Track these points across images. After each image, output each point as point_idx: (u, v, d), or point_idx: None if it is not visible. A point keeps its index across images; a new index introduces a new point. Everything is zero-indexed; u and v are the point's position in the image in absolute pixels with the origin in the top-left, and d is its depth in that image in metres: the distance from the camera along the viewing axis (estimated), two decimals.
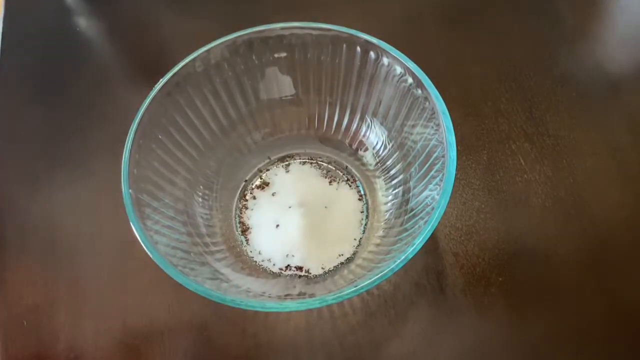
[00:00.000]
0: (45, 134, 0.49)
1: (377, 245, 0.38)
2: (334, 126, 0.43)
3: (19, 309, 0.41)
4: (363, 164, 0.43)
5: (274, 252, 0.40)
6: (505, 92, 0.49)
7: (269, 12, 0.54)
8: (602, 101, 0.48)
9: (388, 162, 0.41)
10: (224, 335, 0.39)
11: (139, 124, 0.33)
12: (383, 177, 0.41)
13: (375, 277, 0.28)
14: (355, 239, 0.40)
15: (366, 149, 0.43)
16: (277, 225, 0.41)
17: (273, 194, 0.42)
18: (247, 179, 0.44)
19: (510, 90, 0.49)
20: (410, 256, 0.29)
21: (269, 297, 0.33)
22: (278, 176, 0.44)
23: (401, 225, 0.35)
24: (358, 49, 0.36)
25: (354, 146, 0.43)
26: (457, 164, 0.31)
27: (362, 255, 0.38)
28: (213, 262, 0.36)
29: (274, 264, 0.39)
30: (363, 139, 0.42)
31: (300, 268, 0.39)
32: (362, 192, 0.42)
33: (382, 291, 0.40)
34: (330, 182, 0.43)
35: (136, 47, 0.55)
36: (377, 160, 0.42)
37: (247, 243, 0.41)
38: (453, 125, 0.32)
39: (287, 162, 0.44)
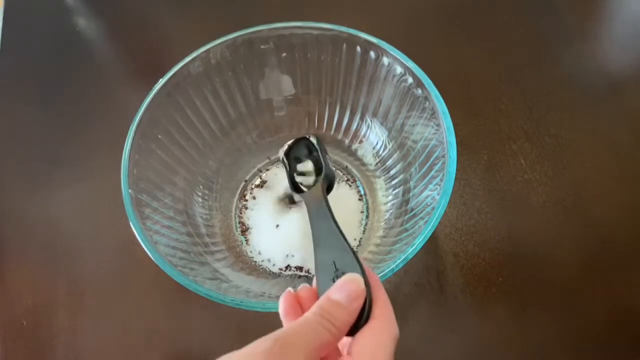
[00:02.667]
0: (45, 134, 0.49)
1: (377, 245, 0.37)
2: (334, 126, 0.43)
3: (19, 309, 0.41)
4: (363, 164, 0.43)
5: (274, 252, 0.40)
6: (505, 92, 0.49)
7: (269, 12, 0.54)
8: (603, 101, 0.48)
9: (388, 162, 0.40)
10: (224, 335, 0.39)
11: (138, 124, 0.33)
12: (383, 177, 0.41)
13: None
14: (355, 239, 0.40)
15: (366, 149, 0.42)
16: (277, 226, 0.41)
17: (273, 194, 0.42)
18: (247, 179, 0.44)
19: (511, 90, 0.49)
20: (411, 256, 0.28)
21: (269, 297, 0.33)
22: (278, 176, 0.44)
23: (401, 225, 0.35)
24: (358, 48, 0.36)
25: (354, 146, 0.43)
26: (458, 164, 0.31)
27: (362, 255, 0.38)
28: (213, 262, 0.36)
29: (273, 264, 0.39)
30: (363, 139, 0.42)
31: (300, 268, 0.39)
32: (362, 192, 0.42)
33: None
34: None
35: (136, 47, 0.55)
36: (377, 160, 0.42)
37: (247, 243, 0.41)
38: (453, 125, 0.32)
39: None
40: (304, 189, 0.37)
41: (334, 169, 0.39)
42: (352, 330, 0.22)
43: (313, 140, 0.39)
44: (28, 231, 0.44)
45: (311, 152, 0.39)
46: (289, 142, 0.40)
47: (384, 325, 0.23)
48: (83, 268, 0.42)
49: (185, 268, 0.31)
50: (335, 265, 0.25)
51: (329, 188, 0.36)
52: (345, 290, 0.22)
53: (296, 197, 0.37)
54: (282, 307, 0.24)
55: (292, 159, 0.39)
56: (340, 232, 0.28)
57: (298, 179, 0.38)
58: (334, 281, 0.24)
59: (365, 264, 0.25)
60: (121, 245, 0.42)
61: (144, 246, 0.29)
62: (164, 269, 0.29)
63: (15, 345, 0.40)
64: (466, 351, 0.38)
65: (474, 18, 0.54)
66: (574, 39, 0.52)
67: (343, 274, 0.24)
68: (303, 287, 0.25)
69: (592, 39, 0.53)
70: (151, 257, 0.29)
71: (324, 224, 0.29)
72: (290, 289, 0.25)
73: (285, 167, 0.39)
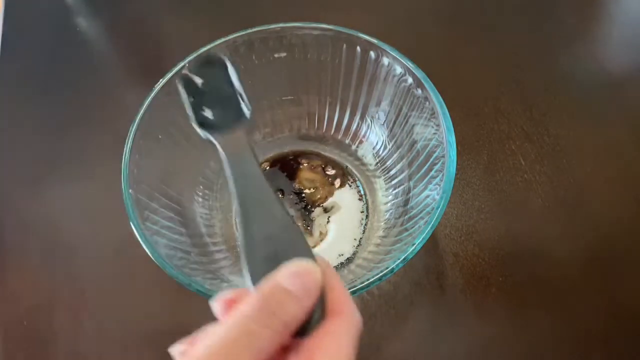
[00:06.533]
0: (45, 134, 0.49)
1: (377, 245, 0.38)
2: (334, 126, 0.43)
3: (19, 309, 0.41)
4: (363, 164, 0.43)
5: None
6: (505, 92, 0.49)
7: (269, 12, 0.54)
8: (602, 101, 0.48)
9: (388, 162, 0.41)
10: None
11: (139, 124, 0.33)
12: (383, 177, 0.41)
13: (375, 277, 0.28)
14: (355, 239, 0.40)
15: (366, 149, 0.43)
16: None
17: None
18: None
19: (510, 90, 0.49)
20: (411, 256, 0.28)
21: None
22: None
23: (401, 225, 0.35)
24: (358, 49, 0.36)
25: (354, 146, 0.43)
26: (457, 164, 0.31)
27: (362, 255, 0.38)
28: (213, 262, 0.36)
29: None
30: (363, 139, 0.42)
31: None
32: (362, 192, 0.42)
33: (383, 291, 0.40)
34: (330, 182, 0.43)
35: (136, 47, 0.55)
36: (377, 160, 0.42)
37: None
38: (453, 125, 0.32)
39: None
40: (213, 126, 0.27)
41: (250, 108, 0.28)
42: (301, 330, 0.18)
43: (228, 64, 0.29)
44: (28, 231, 0.44)
45: (219, 77, 0.29)
46: (191, 59, 0.31)
47: (346, 326, 0.18)
48: (83, 268, 0.42)
49: (186, 268, 0.31)
50: (272, 242, 0.19)
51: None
52: (300, 280, 0.18)
53: (202, 133, 0.28)
54: (218, 311, 0.20)
55: (193, 83, 0.28)
56: (278, 198, 0.21)
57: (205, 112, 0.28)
58: (271, 264, 0.18)
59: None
60: (121, 245, 0.42)
61: (144, 246, 0.29)
62: (164, 269, 0.29)
63: (16, 345, 0.40)
64: (466, 351, 0.38)
65: (474, 18, 0.54)
66: (574, 39, 0.52)
67: (286, 254, 0.18)
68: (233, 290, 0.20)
69: (592, 39, 0.53)
70: (151, 257, 0.29)
71: (252, 184, 0.22)
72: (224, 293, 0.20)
73: (182, 92, 0.28)
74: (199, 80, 0.28)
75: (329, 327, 0.18)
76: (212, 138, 0.27)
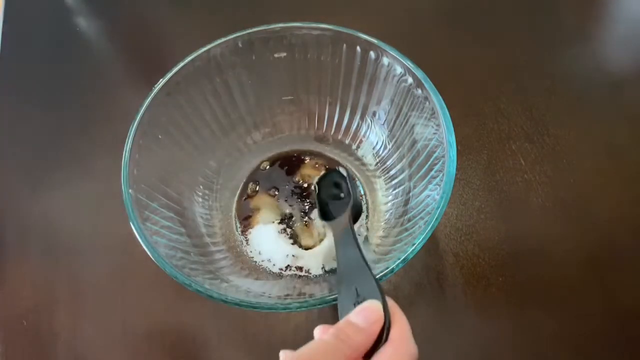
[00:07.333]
0: (45, 134, 0.49)
1: (378, 245, 0.38)
2: (334, 126, 0.43)
3: (19, 309, 0.41)
4: (363, 164, 0.43)
5: (274, 252, 0.40)
6: (505, 92, 0.49)
7: (269, 12, 0.54)
8: (602, 101, 0.48)
9: (388, 162, 0.41)
10: (224, 335, 0.39)
11: (139, 124, 0.33)
12: (383, 177, 0.41)
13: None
14: None
15: (366, 149, 0.43)
16: (277, 226, 0.41)
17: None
18: (246, 179, 0.44)
19: (510, 90, 0.49)
20: (411, 256, 0.29)
21: (269, 297, 0.33)
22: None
23: (401, 225, 0.35)
24: (358, 48, 0.36)
25: (354, 146, 0.43)
26: (457, 163, 0.31)
27: None
28: (213, 262, 0.36)
29: (274, 264, 0.39)
30: (363, 139, 0.42)
31: (300, 268, 0.39)
32: (362, 192, 0.42)
33: None
34: None
35: (137, 47, 0.55)
36: (377, 160, 0.42)
37: (247, 243, 0.41)
38: (453, 125, 0.32)
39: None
40: (332, 217, 0.37)
41: (361, 200, 0.39)
42: (371, 353, 0.23)
43: (344, 172, 0.41)
44: (28, 231, 0.44)
45: (339, 184, 0.40)
46: (322, 172, 0.42)
47: (401, 347, 0.24)
48: (83, 268, 0.42)
49: (185, 268, 0.31)
50: (357, 291, 0.26)
51: (355, 218, 0.37)
52: (363, 314, 0.24)
53: (322, 221, 0.38)
54: (317, 333, 0.26)
55: (322, 188, 0.40)
56: (365, 260, 0.28)
57: (327, 207, 0.39)
58: (355, 307, 0.25)
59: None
60: (121, 245, 0.42)
61: (144, 246, 0.29)
62: (164, 269, 0.29)
63: (16, 345, 0.40)
64: (466, 351, 0.38)
65: (473, 18, 0.54)
66: (574, 39, 0.52)
67: (364, 299, 0.25)
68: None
69: (591, 39, 0.53)
70: (151, 257, 0.29)
71: (349, 251, 0.30)
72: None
73: (315, 195, 0.40)
74: (326, 185, 0.40)
75: (386, 352, 0.23)
76: (327, 224, 0.37)
